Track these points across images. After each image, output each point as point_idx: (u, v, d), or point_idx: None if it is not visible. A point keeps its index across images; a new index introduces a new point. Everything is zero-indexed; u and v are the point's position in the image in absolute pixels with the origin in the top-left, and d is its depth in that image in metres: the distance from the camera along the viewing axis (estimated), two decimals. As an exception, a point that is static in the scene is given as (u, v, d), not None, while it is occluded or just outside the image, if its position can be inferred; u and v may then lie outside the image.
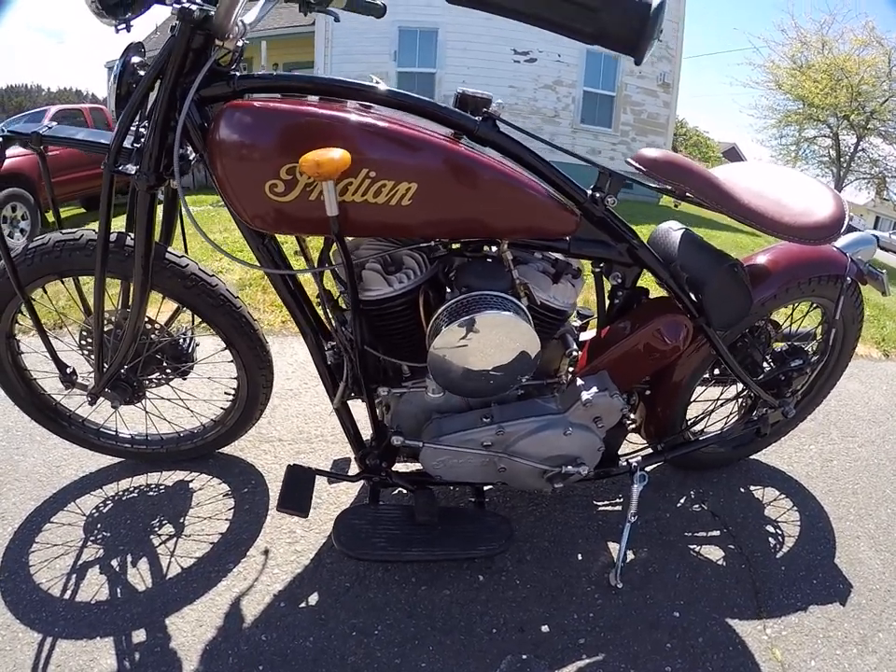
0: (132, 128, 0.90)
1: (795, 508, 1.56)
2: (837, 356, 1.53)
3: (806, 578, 1.32)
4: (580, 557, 1.30)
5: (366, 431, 1.20)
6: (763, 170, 1.35)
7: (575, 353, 1.17)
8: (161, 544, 1.22)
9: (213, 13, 0.78)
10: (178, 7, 0.78)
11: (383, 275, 0.98)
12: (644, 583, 1.25)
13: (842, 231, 1.15)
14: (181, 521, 1.28)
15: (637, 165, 1.05)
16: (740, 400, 1.58)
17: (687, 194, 1.07)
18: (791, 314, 1.51)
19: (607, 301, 1.23)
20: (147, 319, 1.17)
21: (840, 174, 14.59)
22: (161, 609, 1.08)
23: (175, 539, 1.23)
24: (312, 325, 1.06)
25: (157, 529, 1.26)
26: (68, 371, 1.20)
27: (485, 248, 1.06)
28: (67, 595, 1.10)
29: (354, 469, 1.20)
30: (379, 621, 1.08)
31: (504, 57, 8.99)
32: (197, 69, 0.83)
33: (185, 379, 1.32)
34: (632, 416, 1.39)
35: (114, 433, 1.40)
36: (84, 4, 0.81)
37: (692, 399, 1.42)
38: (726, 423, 1.58)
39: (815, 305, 1.46)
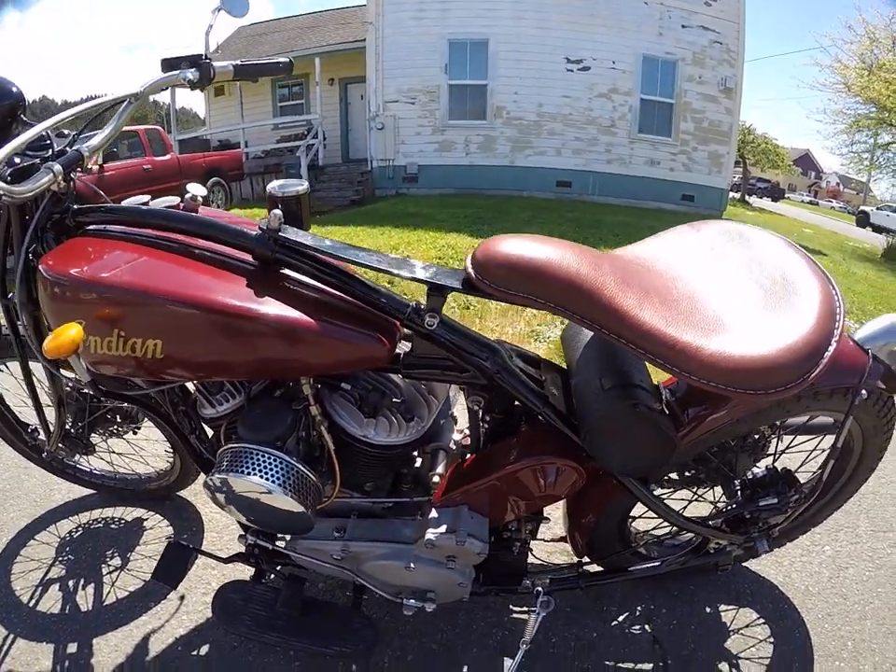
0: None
1: (772, 639, 1.17)
2: (852, 472, 1.12)
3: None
4: (464, 671, 1.19)
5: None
6: (710, 247, 0.93)
7: (436, 479, 1.01)
8: (108, 573, 1.47)
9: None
10: None
11: (206, 398, 0.99)
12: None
13: (818, 370, 0.75)
14: (128, 555, 1.52)
15: (469, 273, 0.83)
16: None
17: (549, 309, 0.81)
18: None
19: (482, 425, 1.02)
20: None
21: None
22: (92, 629, 1.32)
23: (119, 571, 1.48)
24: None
25: (108, 560, 1.51)
26: (30, 429, 1.46)
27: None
28: (32, 604, 1.38)
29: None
30: (248, 686, 1.18)
31: (557, 66, 8.91)
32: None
33: (135, 434, 1.56)
34: (531, 540, 1.15)
35: (88, 469, 1.68)
36: None
37: (630, 513, 1.17)
38: (675, 550, 1.23)
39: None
